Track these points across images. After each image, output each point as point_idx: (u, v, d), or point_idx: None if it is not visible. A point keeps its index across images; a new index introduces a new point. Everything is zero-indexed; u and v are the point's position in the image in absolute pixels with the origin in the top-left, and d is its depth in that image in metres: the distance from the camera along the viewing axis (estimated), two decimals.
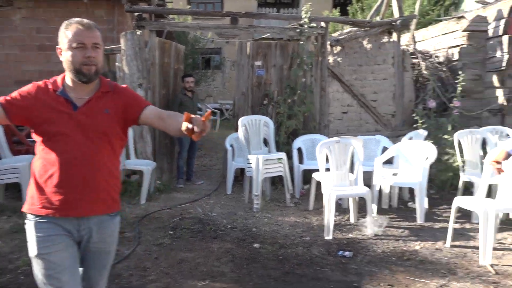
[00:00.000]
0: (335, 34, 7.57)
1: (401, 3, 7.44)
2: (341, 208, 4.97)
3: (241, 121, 5.66)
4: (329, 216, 4.13)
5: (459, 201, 3.70)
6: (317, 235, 4.18)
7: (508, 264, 3.43)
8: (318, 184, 4.96)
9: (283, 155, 5.31)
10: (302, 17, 6.38)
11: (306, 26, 6.38)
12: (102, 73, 1.86)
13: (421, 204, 4.43)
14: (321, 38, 6.65)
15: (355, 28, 7.26)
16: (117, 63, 6.08)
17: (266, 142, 5.89)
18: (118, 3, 7.83)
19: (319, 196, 5.12)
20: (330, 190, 4.23)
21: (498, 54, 6.54)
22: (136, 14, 6.08)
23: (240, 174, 6.23)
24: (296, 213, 4.91)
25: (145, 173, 5.34)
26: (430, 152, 4.59)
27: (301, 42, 6.42)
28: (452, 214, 3.78)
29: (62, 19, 1.85)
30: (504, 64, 6.39)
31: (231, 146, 5.96)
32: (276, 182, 5.86)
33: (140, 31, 5.90)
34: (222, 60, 19.05)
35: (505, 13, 6.49)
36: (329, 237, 4.07)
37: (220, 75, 18.80)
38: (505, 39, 6.46)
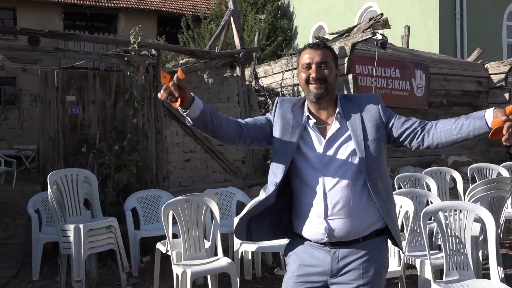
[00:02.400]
0: (168, 66, 7.25)
1: (242, 34, 7.58)
2: (195, 285, 4.44)
3: (51, 177, 4.70)
4: None
5: None
6: None
7: None
8: (162, 255, 4.39)
9: (113, 221, 4.58)
10: (131, 42, 5.87)
11: (134, 53, 5.88)
12: None
13: None
14: (153, 69, 6.23)
15: (192, 59, 7.07)
16: None
17: (87, 204, 5.05)
18: None
19: (164, 271, 4.54)
20: (183, 267, 3.70)
21: (345, 92, 7.09)
22: None
23: (52, 249, 5.21)
24: None
25: None
26: None
27: (129, 73, 5.89)
28: None
29: None
30: None
31: (37, 211, 4.94)
32: (104, 257, 5.03)
33: None
34: (18, 93, 16.95)
35: (348, 51, 7.12)
36: None
37: (15, 112, 16.66)
38: (350, 77, 7.05)
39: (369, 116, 2.04)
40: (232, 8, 7.41)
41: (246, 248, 4.39)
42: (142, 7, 19.08)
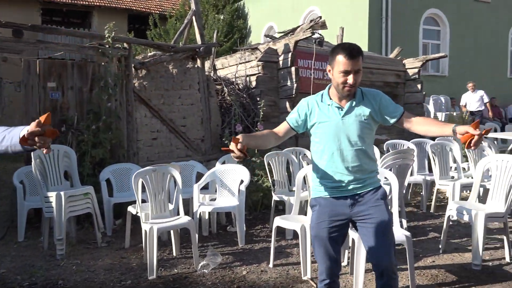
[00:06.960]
0: (138, 57, 7.25)
1: (203, 31, 7.66)
2: (160, 241, 4.62)
3: (34, 152, 4.74)
4: (152, 253, 3.76)
5: (279, 221, 3.85)
6: (139, 276, 3.75)
7: None
8: (133, 217, 4.53)
9: (90, 189, 4.66)
10: (105, 36, 5.86)
11: (109, 46, 5.89)
12: None
13: (241, 227, 4.48)
14: (125, 60, 6.25)
15: (159, 52, 7.10)
16: None
17: (67, 176, 5.10)
18: None
19: (134, 230, 4.69)
20: (150, 224, 3.87)
21: (288, 83, 7.34)
22: None
23: (35, 216, 5.24)
24: (111, 253, 4.34)
25: None
26: (244, 175, 4.72)
27: (104, 63, 5.90)
28: (273, 234, 3.91)
29: None
30: (294, 92, 7.21)
31: (21, 182, 4.95)
32: (81, 220, 5.11)
33: None
34: None
35: (292, 47, 7.36)
36: (153, 276, 3.69)
37: None
38: (293, 70, 7.30)
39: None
40: (195, 8, 7.46)
41: (203, 209, 4.60)
42: (113, 5, 18.55)
